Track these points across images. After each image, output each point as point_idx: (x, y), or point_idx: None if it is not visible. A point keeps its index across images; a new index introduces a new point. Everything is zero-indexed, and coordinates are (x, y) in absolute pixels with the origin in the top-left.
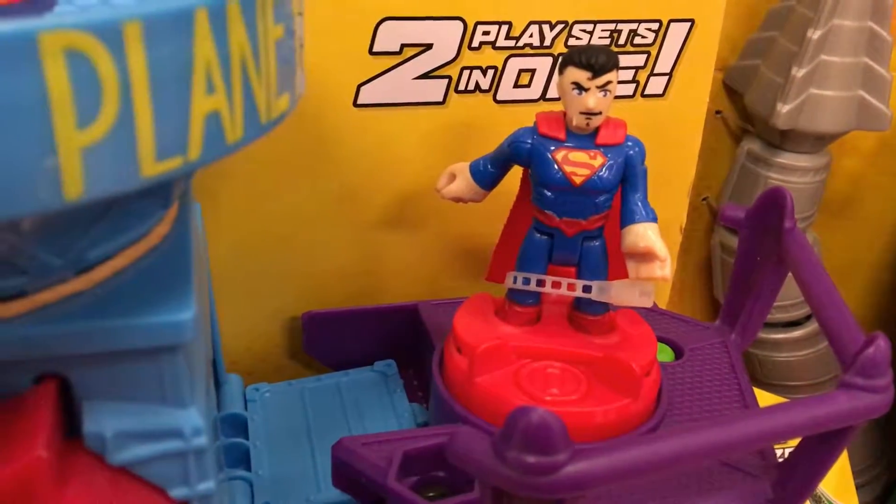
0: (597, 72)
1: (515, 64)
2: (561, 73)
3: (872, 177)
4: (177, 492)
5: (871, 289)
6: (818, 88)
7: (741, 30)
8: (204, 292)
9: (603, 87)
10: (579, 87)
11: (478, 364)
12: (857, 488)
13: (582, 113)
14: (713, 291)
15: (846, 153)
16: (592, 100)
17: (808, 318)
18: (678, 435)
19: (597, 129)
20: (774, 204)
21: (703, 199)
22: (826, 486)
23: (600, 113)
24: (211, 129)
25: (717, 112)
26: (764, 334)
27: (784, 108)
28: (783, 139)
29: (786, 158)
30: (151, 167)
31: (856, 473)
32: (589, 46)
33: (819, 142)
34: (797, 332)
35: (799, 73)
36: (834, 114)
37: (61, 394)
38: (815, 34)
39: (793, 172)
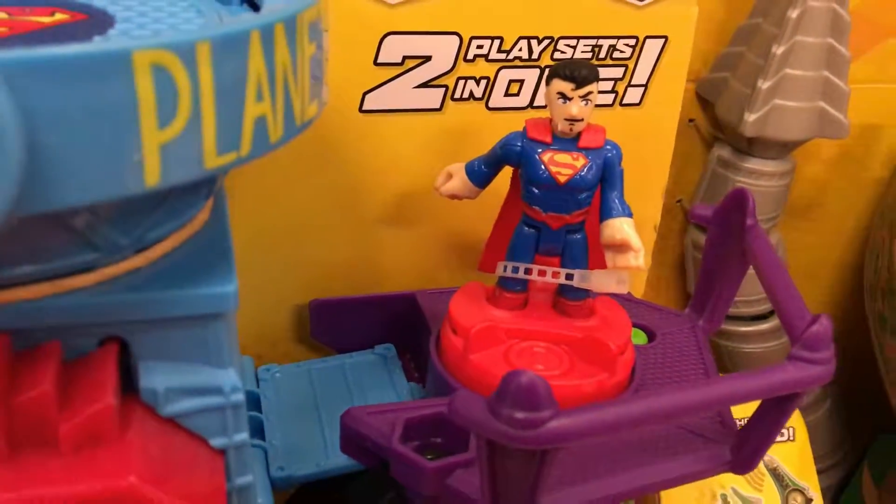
0: (579, 83)
1: (506, 75)
2: (548, 83)
3: (834, 182)
4: (216, 441)
5: (835, 287)
6: (782, 99)
7: (712, 44)
8: None
9: (585, 97)
10: (564, 97)
11: (472, 343)
12: (821, 472)
13: (566, 119)
14: (686, 286)
15: (810, 160)
16: (575, 108)
17: (773, 312)
18: (646, 398)
19: (579, 134)
20: (738, 203)
21: (678, 201)
22: (789, 467)
23: (582, 120)
24: (258, 130)
25: (691, 120)
26: (732, 327)
27: (751, 118)
28: (750, 146)
29: (753, 164)
30: (213, 160)
31: (820, 458)
32: (573, 60)
33: (784, 148)
34: (763, 326)
35: (764, 85)
36: (797, 123)
37: (121, 355)
38: (779, 49)
39: (759, 177)
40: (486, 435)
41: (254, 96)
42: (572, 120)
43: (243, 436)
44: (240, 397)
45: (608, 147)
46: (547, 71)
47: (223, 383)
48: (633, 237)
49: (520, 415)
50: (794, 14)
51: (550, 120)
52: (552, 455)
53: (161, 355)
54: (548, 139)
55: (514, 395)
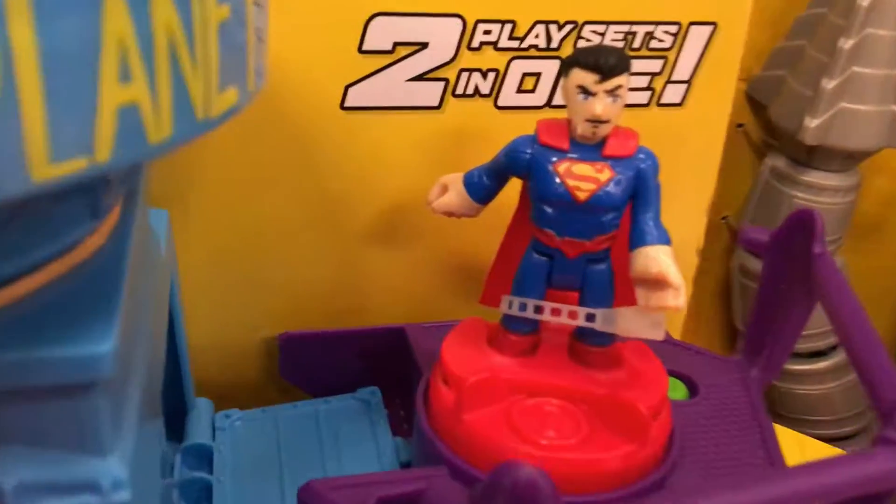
0: (605, 74)
1: (519, 67)
2: (565, 75)
3: None
4: None
5: None
6: (850, 102)
7: (766, 38)
8: (152, 312)
9: (612, 92)
10: (585, 92)
11: (466, 399)
12: None
13: (588, 120)
14: (732, 318)
15: (878, 172)
16: (600, 106)
17: (833, 348)
18: (687, 497)
19: (604, 139)
20: (802, 226)
21: (723, 219)
22: None
23: (608, 121)
24: (126, 124)
25: (739, 125)
26: (786, 365)
27: (812, 123)
28: (810, 156)
29: (813, 177)
30: (44, 169)
31: None
32: (598, 46)
33: (849, 160)
34: (821, 364)
35: (829, 85)
36: (866, 129)
37: None
38: (847, 44)
39: (820, 192)
40: None
41: (114, 74)
42: (596, 121)
43: None
44: (124, 497)
45: (641, 156)
46: (565, 60)
47: (100, 477)
48: (672, 271)
49: None
50: (864, 2)
51: (569, 121)
52: None
53: (14, 438)
54: (564, 145)
55: (509, 495)
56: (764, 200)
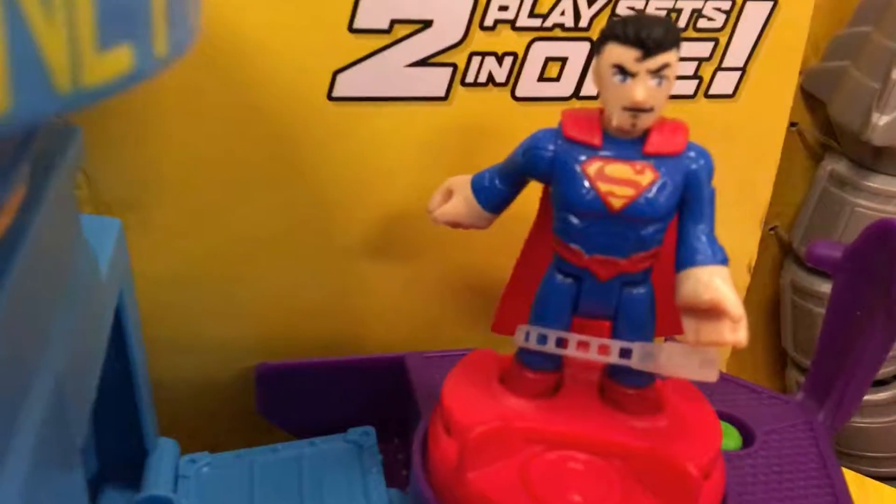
0: (649, 50)
1: (541, 50)
2: (599, 52)
3: None
4: None
5: None
6: None
7: (824, 25)
8: (71, 351)
9: (657, 73)
10: (623, 72)
11: (471, 453)
12: None
13: (626, 108)
14: (780, 340)
15: None
16: (641, 89)
17: (895, 377)
18: None
19: (646, 133)
20: (884, 242)
21: (771, 229)
22: None
23: (652, 109)
24: None
25: (793, 124)
26: None
27: (881, 120)
28: (876, 158)
29: (879, 182)
30: None
31: None
32: (639, 16)
33: None
34: (882, 394)
35: None
36: None
37: None
38: None
39: (888, 200)
40: None
41: None
42: (636, 109)
43: None
44: None
45: (692, 154)
46: (600, 33)
47: None
48: (729, 299)
49: None
50: None
51: (601, 111)
52: None
53: None
54: (596, 141)
55: None
56: (821, 209)
